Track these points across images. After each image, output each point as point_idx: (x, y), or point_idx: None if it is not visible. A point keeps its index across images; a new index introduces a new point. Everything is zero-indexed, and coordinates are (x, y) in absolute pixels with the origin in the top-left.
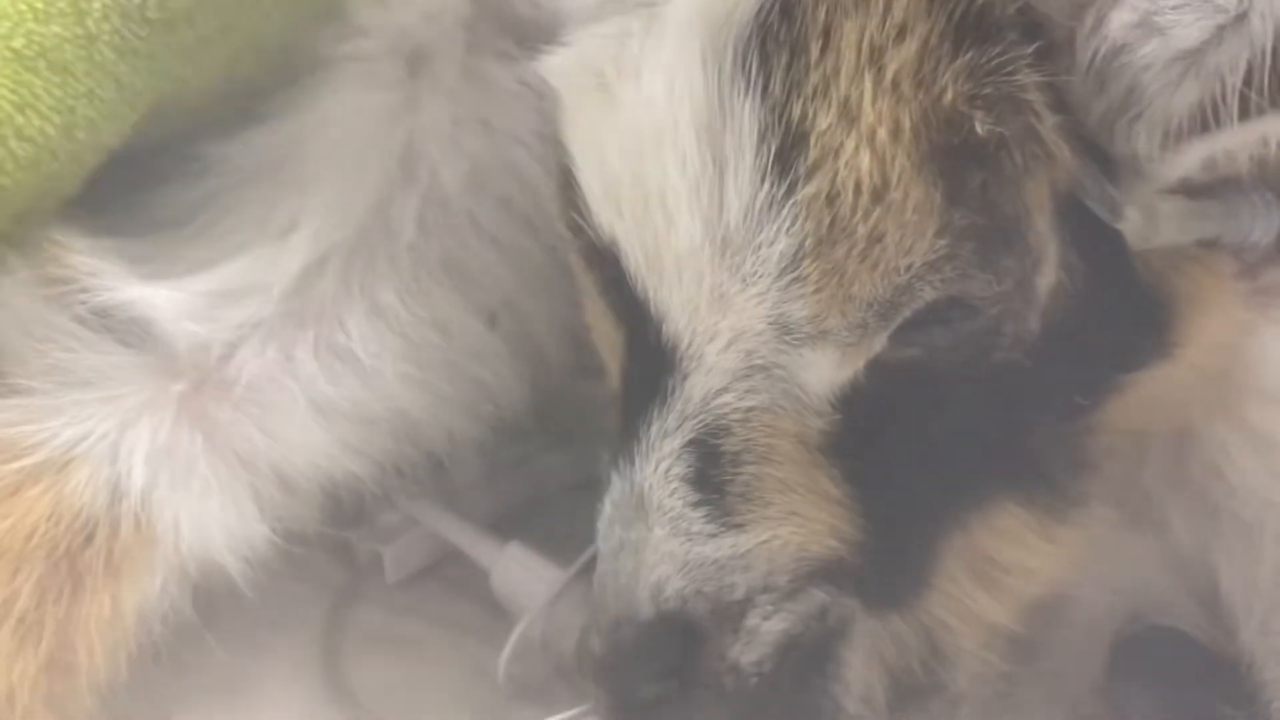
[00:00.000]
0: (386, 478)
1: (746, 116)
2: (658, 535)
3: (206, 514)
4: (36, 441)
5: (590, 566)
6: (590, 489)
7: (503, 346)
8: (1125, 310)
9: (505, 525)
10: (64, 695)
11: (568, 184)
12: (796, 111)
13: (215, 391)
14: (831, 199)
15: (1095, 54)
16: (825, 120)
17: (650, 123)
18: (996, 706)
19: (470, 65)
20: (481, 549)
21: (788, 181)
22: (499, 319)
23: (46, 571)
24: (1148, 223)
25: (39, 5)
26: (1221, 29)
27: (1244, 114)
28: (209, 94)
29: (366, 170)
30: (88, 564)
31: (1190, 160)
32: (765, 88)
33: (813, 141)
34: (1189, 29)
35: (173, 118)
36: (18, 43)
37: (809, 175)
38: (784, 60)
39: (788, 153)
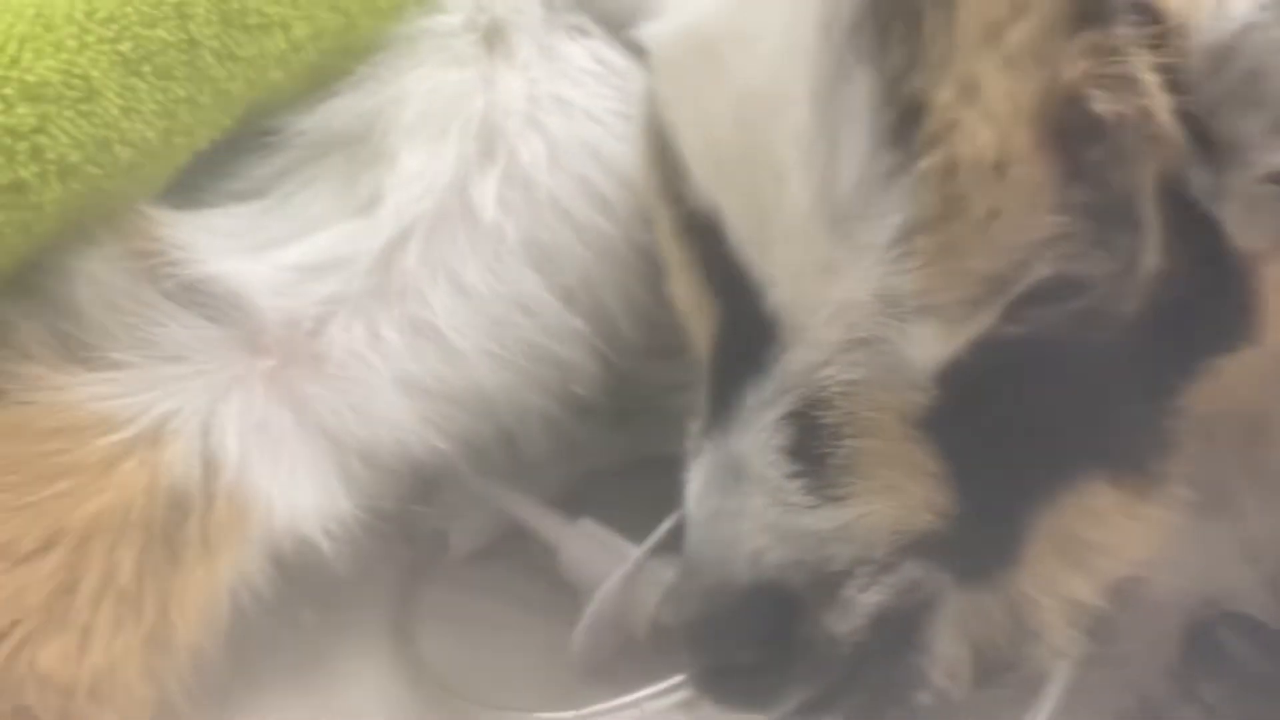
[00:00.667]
0: (463, 454)
1: (863, 86)
2: (756, 504)
3: (297, 490)
4: (130, 416)
5: (661, 544)
6: (650, 469)
7: (580, 325)
8: (1217, 294)
9: (567, 503)
10: (162, 668)
11: (664, 154)
12: (915, 83)
13: (304, 367)
14: (949, 173)
15: (1215, 34)
16: (945, 94)
17: (763, 90)
18: (1071, 687)
19: (546, 42)
20: (549, 526)
21: (904, 154)
22: (576, 298)
23: (145, 546)
24: (1245, 209)
25: (145, 9)
26: None
27: None
28: (295, 93)
29: (445, 146)
30: (185, 539)
31: None
32: (882, 58)
33: (932, 114)
34: None
35: (258, 110)
36: (125, 47)
37: (927, 148)
38: (903, 31)
39: (905, 125)
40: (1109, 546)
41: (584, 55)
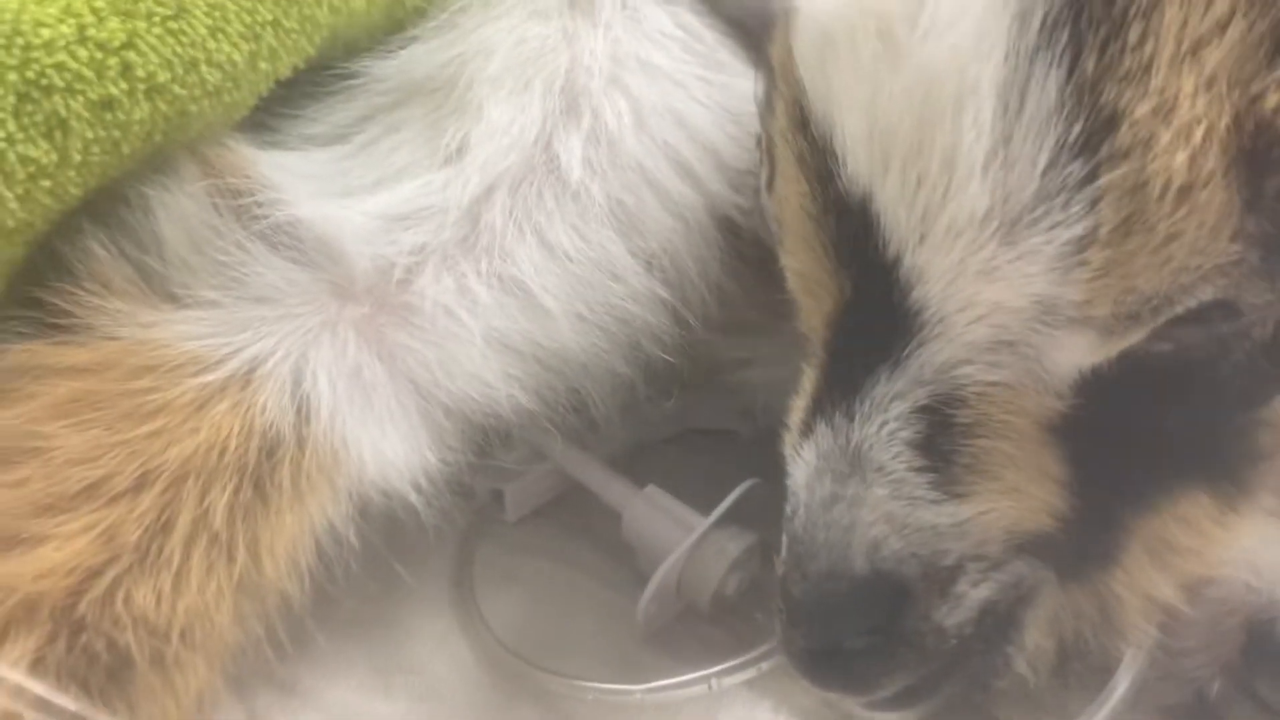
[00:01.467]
0: (545, 412)
1: (1053, 89)
2: (877, 494)
3: (386, 442)
4: (222, 356)
5: (724, 516)
6: (701, 441)
7: (663, 291)
8: None
9: (622, 467)
10: (251, 614)
11: (807, 125)
12: (1109, 93)
13: (394, 317)
14: (1136, 190)
15: None
16: (1141, 108)
17: (945, 81)
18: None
19: (629, 2)
20: (615, 490)
21: (1091, 164)
22: (658, 263)
23: (238, 489)
24: None
25: None
26: None
27: None
28: (372, 26)
29: (530, 100)
30: (276, 484)
31: None
32: (1075, 62)
33: (1124, 127)
34: None
35: (335, 45)
36: None
37: (1115, 161)
38: (1100, 37)
39: (1095, 134)
40: (1196, 551)
41: (667, 19)
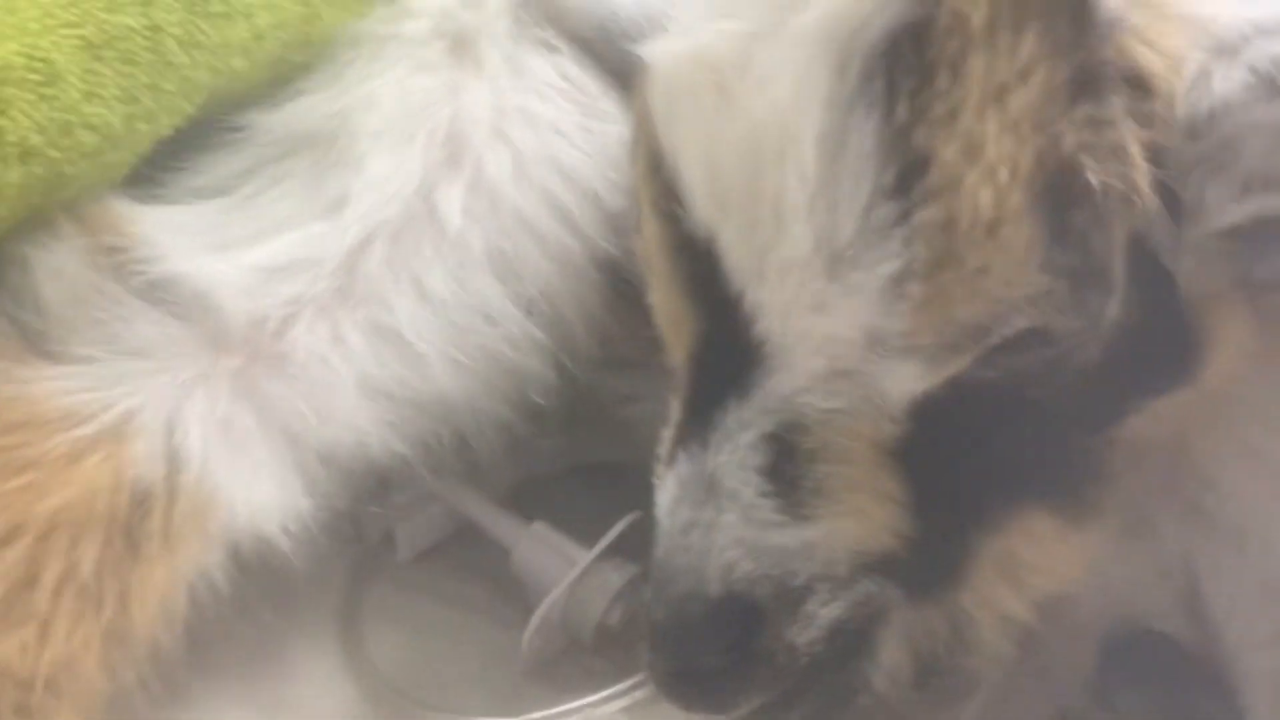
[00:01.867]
0: (420, 456)
1: (869, 136)
2: (729, 519)
3: (258, 489)
4: (96, 410)
5: (610, 549)
6: (594, 475)
7: (540, 335)
8: (1164, 341)
9: (515, 507)
10: (120, 662)
11: (659, 170)
12: (920, 138)
13: (268, 367)
14: (946, 227)
15: (1195, 105)
16: (949, 150)
17: (771, 129)
18: (995, 696)
19: (514, 54)
20: (504, 527)
21: (905, 204)
22: (537, 308)
23: (107, 541)
24: (1199, 263)
25: None
26: None
27: None
28: (257, 84)
29: (412, 152)
30: (146, 534)
31: (1254, 210)
32: (890, 110)
33: (934, 169)
34: None
35: (220, 102)
36: (88, 31)
37: (926, 201)
38: (911, 86)
39: (908, 176)
40: (1044, 567)
41: (551, 70)
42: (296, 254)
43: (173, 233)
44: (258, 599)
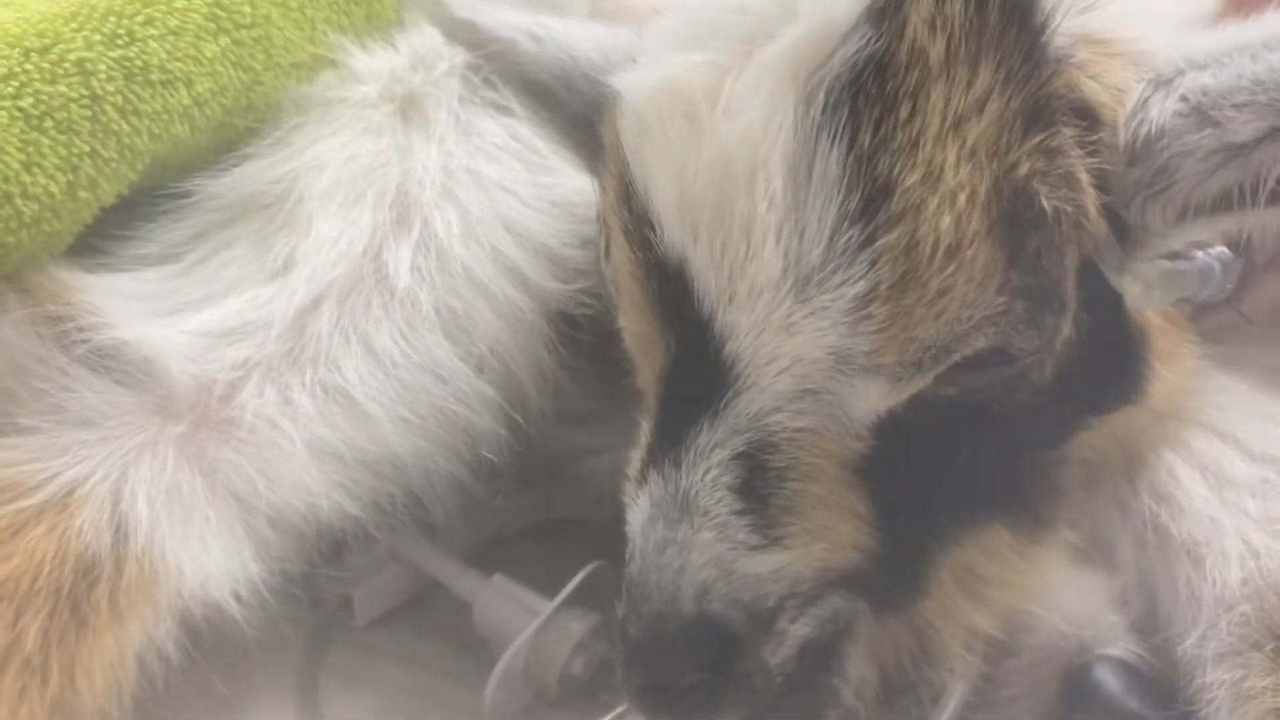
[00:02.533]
0: (372, 517)
1: (834, 163)
2: (704, 538)
3: (207, 555)
4: (39, 481)
5: (571, 599)
6: (556, 531)
7: (490, 392)
8: (1112, 360)
9: (478, 565)
10: None
11: (630, 197)
12: (883, 165)
13: (215, 432)
14: (909, 251)
15: (1135, 133)
16: (910, 177)
17: (740, 157)
18: None
19: (464, 116)
20: (464, 582)
21: (869, 229)
22: (486, 365)
23: (52, 613)
24: (1144, 286)
25: (46, 65)
26: (1276, 130)
27: (1271, 202)
28: (201, 149)
29: (360, 214)
30: (93, 605)
31: (1194, 234)
32: (854, 138)
33: (896, 195)
34: (1244, 126)
35: (166, 168)
36: (26, 102)
37: (889, 226)
38: (875, 115)
39: (871, 202)
40: (1002, 580)
41: (500, 131)
42: (244, 318)
43: (119, 300)
44: (212, 669)
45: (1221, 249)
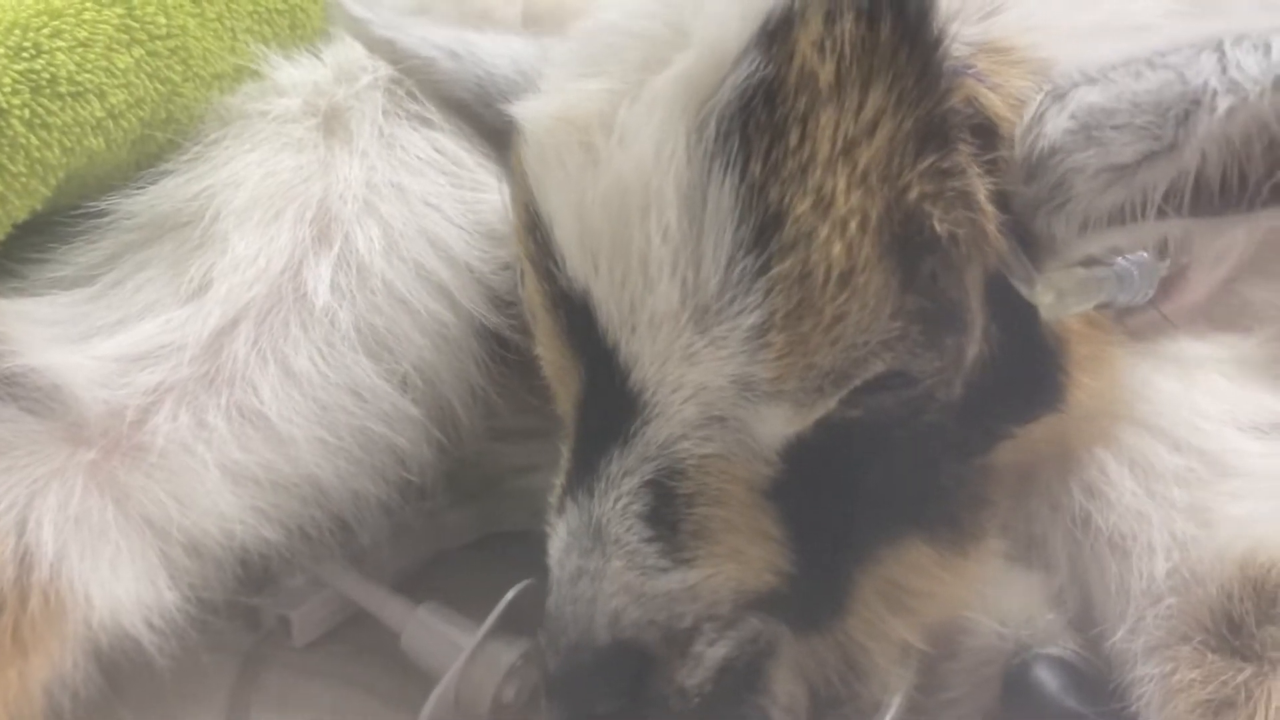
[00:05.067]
0: (295, 542)
1: (727, 193)
2: (615, 567)
3: (117, 584)
4: None
5: (504, 622)
6: (502, 544)
7: (414, 411)
8: (1030, 370)
9: (410, 584)
10: None
11: (535, 227)
12: (774, 194)
13: (126, 458)
14: (802, 278)
15: (1031, 148)
16: (801, 205)
17: (635, 187)
18: None
19: (387, 130)
20: (391, 611)
21: (763, 258)
22: (410, 383)
23: None
24: (1057, 295)
25: None
26: (1154, 154)
27: (1160, 216)
28: (121, 164)
29: (279, 231)
30: None
31: (1100, 245)
32: (745, 167)
33: (788, 224)
34: (1125, 148)
35: (84, 184)
36: None
37: (783, 254)
38: (765, 143)
39: (764, 232)
40: (927, 593)
41: (424, 144)
42: (157, 341)
43: (30, 325)
44: (143, 694)
45: (1141, 253)
